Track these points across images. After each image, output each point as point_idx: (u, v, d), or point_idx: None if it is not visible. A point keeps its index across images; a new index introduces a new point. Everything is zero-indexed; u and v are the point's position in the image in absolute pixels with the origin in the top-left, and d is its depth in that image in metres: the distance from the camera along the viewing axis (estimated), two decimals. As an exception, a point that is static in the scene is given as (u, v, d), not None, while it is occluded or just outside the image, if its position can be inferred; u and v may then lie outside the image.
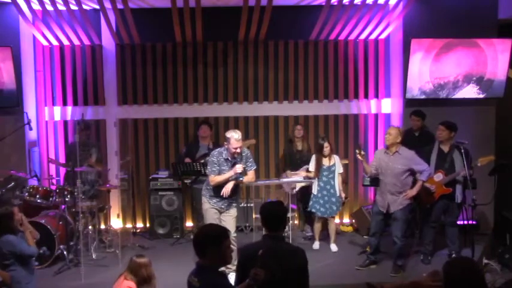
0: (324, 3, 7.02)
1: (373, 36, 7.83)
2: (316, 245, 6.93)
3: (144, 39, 7.65)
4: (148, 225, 7.81)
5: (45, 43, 7.69)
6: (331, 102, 8.02)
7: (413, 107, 7.27)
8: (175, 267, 6.01)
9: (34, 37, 7.53)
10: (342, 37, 7.80)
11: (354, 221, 7.86)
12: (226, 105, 7.96)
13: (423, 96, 7.40)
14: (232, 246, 4.71)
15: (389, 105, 8.02)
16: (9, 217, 4.63)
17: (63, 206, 6.66)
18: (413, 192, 5.90)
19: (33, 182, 6.88)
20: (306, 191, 7.20)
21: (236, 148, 5.61)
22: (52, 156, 7.83)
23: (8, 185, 6.57)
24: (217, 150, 5.88)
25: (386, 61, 7.94)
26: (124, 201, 7.60)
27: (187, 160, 7.26)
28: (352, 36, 7.82)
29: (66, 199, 6.56)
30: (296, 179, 6.91)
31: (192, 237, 6.67)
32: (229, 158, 5.74)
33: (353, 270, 6.12)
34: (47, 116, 7.84)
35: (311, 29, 7.55)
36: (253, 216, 7.25)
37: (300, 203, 7.48)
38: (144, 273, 4.15)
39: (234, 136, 5.59)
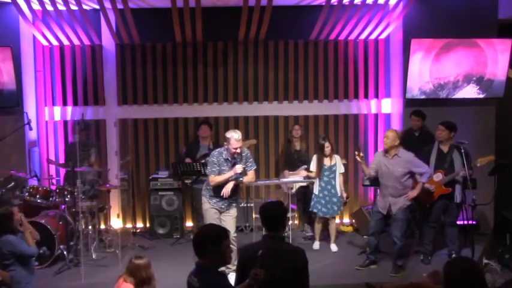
0: (324, 3, 7.02)
1: (373, 36, 7.83)
2: (316, 245, 6.93)
3: (144, 39, 7.65)
4: (148, 225, 7.81)
5: (45, 43, 7.69)
6: (331, 102, 8.02)
7: (413, 107, 7.27)
8: (175, 267, 6.00)
9: (34, 37, 7.53)
10: (342, 37, 7.80)
11: (354, 221, 7.86)
12: (226, 105, 7.96)
13: (423, 96, 7.40)
14: (232, 246, 4.72)
15: (389, 105, 8.02)
16: (9, 217, 4.64)
17: (63, 206, 6.66)
18: (414, 193, 5.90)
19: (33, 182, 6.88)
20: (305, 190, 7.22)
21: (236, 148, 5.61)
22: (52, 156, 7.83)
23: (8, 185, 6.57)
24: (217, 150, 5.88)
25: (387, 61, 7.94)
26: (124, 201, 7.60)
27: (188, 160, 7.26)
28: (352, 36, 7.82)
29: (66, 199, 6.56)
30: (296, 178, 6.91)
31: (192, 237, 6.67)
32: (229, 158, 5.75)
33: (353, 270, 6.12)
34: (47, 116, 7.84)
35: (311, 29, 7.55)
36: (253, 216, 7.25)
37: (300, 203, 7.48)
38: (143, 275, 4.14)
39: (234, 136, 5.59)
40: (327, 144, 6.70)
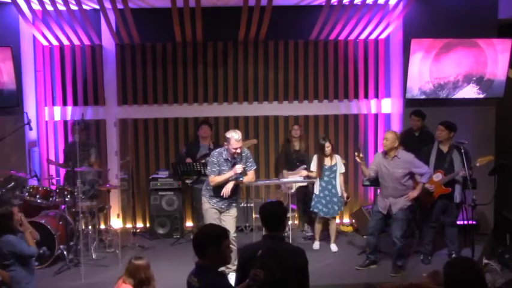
0: (324, 3, 7.02)
1: (373, 36, 7.83)
2: (316, 245, 6.93)
3: (144, 39, 7.65)
4: (148, 225, 7.81)
5: (45, 43, 7.69)
6: (331, 102, 8.02)
7: (413, 107, 7.27)
8: (175, 267, 6.00)
9: (34, 37, 7.53)
10: (342, 37, 7.80)
11: (354, 221, 7.86)
12: (226, 105, 7.96)
13: (423, 96, 7.40)
14: (232, 246, 4.72)
15: (389, 105, 8.02)
16: (8, 217, 4.64)
17: (63, 206, 6.66)
18: (414, 194, 5.90)
19: (33, 182, 6.88)
20: (305, 190, 7.22)
21: (236, 148, 5.61)
22: (52, 156, 7.83)
23: (8, 185, 6.56)
24: (217, 150, 5.88)
25: (386, 61, 7.94)
26: (124, 201, 7.60)
27: (189, 160, 7.26)
28: (352, 36, 7.81)
29: (66, 199, 6.55)
30: (296, 178, 6.91)
31: (192, 237, 6.67)
32: (229, 158, 5.74)
33: (353, 270, 6.12)
34: (47, 116, 7.84)
35: (311, 29, 7.55)
36: (253, 216, 7.25)
37: (300, 203, 7.48)
38: (143, 276, 4.13)
39: (234, 136, 5.59)
40: (327, 144, 6.70)
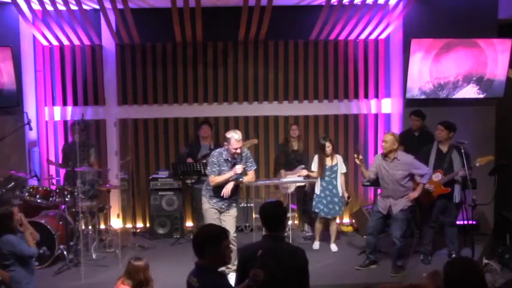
0: (324, 3, 7.02)
1: (373, 36, 7.83)
2: (316, 245, 6.93)
3: (144, 39, 7.65)
4: (148, 225, 7.81)
5: (45, 43, 7.69)
6: (331, 102, 8.02)
7: (413, 107, 7.27)
8: (175, 267, 6.00)
9: (34, 37, 7.53)
10: (342, 37, 7.80)
11: (354, 221, 7.86)
12: (226, 105, 7.96)
13: (423, 96, 7.40)
14: (232, 246, 4.72)
15: (389, 105, 8.01)
16: (9, 217, 4.64)
17: (63, 206, 6.66)
18: (415, 194, 5.91)
19: (33, 182, 6.88)
20: (304, 190, 7.22)
21: (236, 148, 5.61)
22: (52, 156, 7.83)
23: (8, 185, 6.56)
24: (217, 150, 5.88)
25: (386, 61, 7.94)
26: (124, 201, 7.60)
27: (189, 160, 7.26)
28: (352, 36, 7.81)
29: (66, 199, 6.55)
30: (296, 179, 6.90)
31: (192, 237, 6.67)
32: (229, 159, 5.74)
33: (353, 270, 6.12)
34: (47, 116, 7.84)
35: (311, 29, 7.55)
36: (253, 216, 7.24)
37: (300, 203, 7.48)
38: (141, 277, 4.14)
39: (234, 136, 5.58)
40: (327, 144, 6.70)
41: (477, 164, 6.08)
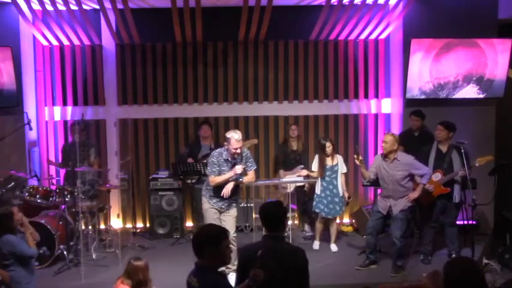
0: (324, 3, 7.02)
1: (373, 36, 7.83)
2: (316, 245, 6.93)
3: (144, 39, 7.65)
4: (148, 225, 7.81)
5: (45, 43, 7.69)
6: (331, 102, 8.02)
7: (413, 107, 7.27)
8: (175, 267, 6.00)
9: (34, 37, 7.53)
10: (342, 37, 7.80)
11: (354, 221, 7.86)
12: (226, 105, 7.96)
13: (423, 96, 7.40)
14: (232, 246, 4.72)
15: (389, 105, 8.01)
16: (9, 217, 4.64)
17: (63, 206, 6.66)
18: (415, 194, 5.91)
19: (33, 182, 6.88)
20: (303, 190, 7.22)
21: (236, 149, 5.61)
22: (52, 156, 7.83)
23: (8, 185, 6.56)
24: (217, 150, 5.88)
25: (387, 61, 7.94)
26: (124, 201, 7.60)
27: (190, 160, 7.26)
28: (352, 36, 7.81)
29: (66, 199, 6.56)
30: (296, 178, 6.90)
31: (191, 237, 6.67)
32: (229, 159, 5.74)
33: (353, 270, 6.12)
34: (47, 116, 7.84)
35: (311, 29, 7.55)
36: (253, 216, 7.24)
37: (299, 203, 7.48)
38: (141, 277, 4.15)
39: (234, 136, 5.58)
40: (328, 144, 6.69)
41: (477, 164, 6.08)
